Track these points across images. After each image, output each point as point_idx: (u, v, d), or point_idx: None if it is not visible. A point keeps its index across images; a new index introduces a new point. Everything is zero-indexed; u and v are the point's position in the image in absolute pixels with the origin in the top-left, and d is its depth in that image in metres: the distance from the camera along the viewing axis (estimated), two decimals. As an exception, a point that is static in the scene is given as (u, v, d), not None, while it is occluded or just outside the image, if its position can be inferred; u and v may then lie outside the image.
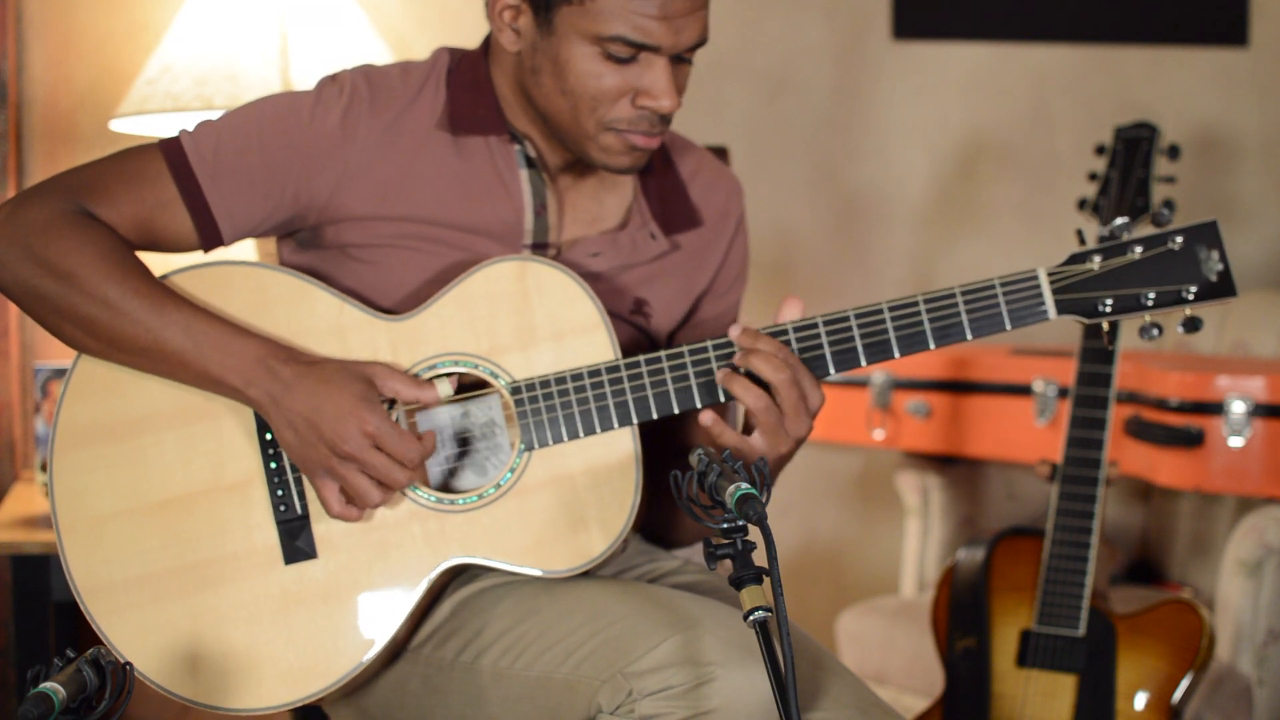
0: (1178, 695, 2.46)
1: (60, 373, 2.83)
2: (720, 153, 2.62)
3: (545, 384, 1.81)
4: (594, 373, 1.81)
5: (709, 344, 1.82)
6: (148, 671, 1.76)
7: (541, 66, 1.83)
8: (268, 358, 1.75)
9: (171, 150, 1.83)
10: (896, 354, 1.81)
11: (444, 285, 1.84)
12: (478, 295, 1.82)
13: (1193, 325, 1.80)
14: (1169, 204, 2.43)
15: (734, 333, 1.80)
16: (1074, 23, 3.67)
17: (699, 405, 1.82)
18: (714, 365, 1.82)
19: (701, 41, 1.82)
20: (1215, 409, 2.82)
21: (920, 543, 3.36)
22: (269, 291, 1.82)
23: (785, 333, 1.81)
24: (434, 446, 1.76)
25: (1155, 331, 1.81)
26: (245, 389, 1.75)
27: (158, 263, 1.89)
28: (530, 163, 1.91)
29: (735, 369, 1.80)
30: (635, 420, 1.81)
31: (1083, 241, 1.84)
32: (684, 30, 1.79)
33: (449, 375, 1.80)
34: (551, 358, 1.82)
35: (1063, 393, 3.03)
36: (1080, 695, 2.47)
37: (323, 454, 1.73)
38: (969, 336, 1.82)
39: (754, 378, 1.79)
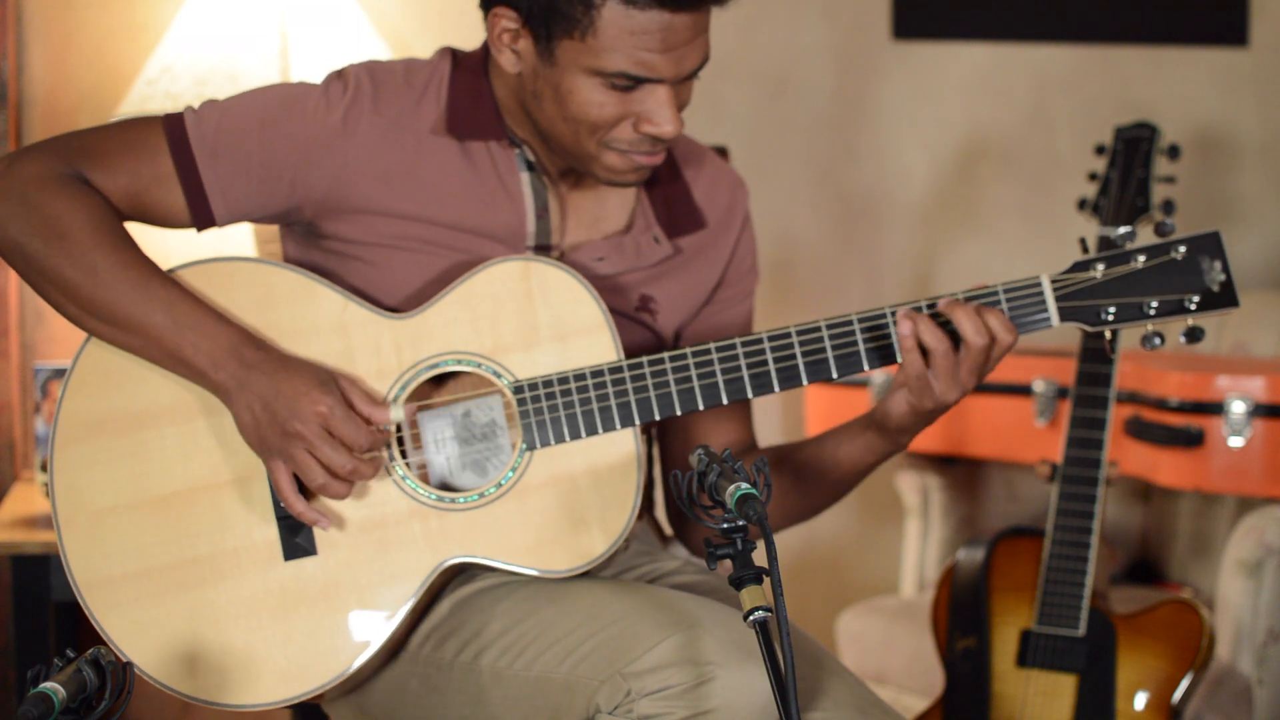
0: (1178, 695, 2.46)
1: (60, 373, 2.83)
2: (720, 153, 2.62)
3: (548, 384, 1.81)
4: (596, 373, 1.81)
5: (711, 346, 1.82)
6: (146, 667, 1.76)
7: (543, 92, 1.82)
8: (240, 345, 1.75)
9: (173, 126, 1.83)
10: (900, 358, 1.81)
11: (446, 285, 1.84)
12: (482, 294, 1.82)
13: (1194, 335, 1.81)
14: (1169, 204, 2.44)
15: (942, 304, 1.78)
16: (1074, 23, 3.67)
17: (701, 406, 1.82)
18: (717, 368, 1.82)
19: (704, 62, 1.82)
20: (1215, 409, 2.82)
21: (920, 543, 3.36)
22: (274, 288, 1.82)
23: (788, 334, 1.81)
24: (383, 441, 1.76)
25: (1157, 340, 1.82)
26: (211, 372, 1.75)
27: (163, 257, 1.89)
28: (530, 166, 1.91)
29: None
30: (637, 421, 1.81)
31: (1085, 249, 1.85)
32: (686, 59, 1.78)
33: (410, 403, 1.79)
34: (555, 358, 1.82)
35: (1063, 393, 3.03)
36: (1080, 695, 2.47)
37: (275, 434, 1.73)
38: None
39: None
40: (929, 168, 3.66)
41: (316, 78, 1.92)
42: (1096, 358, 2.52)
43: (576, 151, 1.84)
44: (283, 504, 1.77)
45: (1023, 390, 3.11)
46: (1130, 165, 2.57)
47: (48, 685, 1.39)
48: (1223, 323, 3.29)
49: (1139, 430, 2.88)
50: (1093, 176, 2.61)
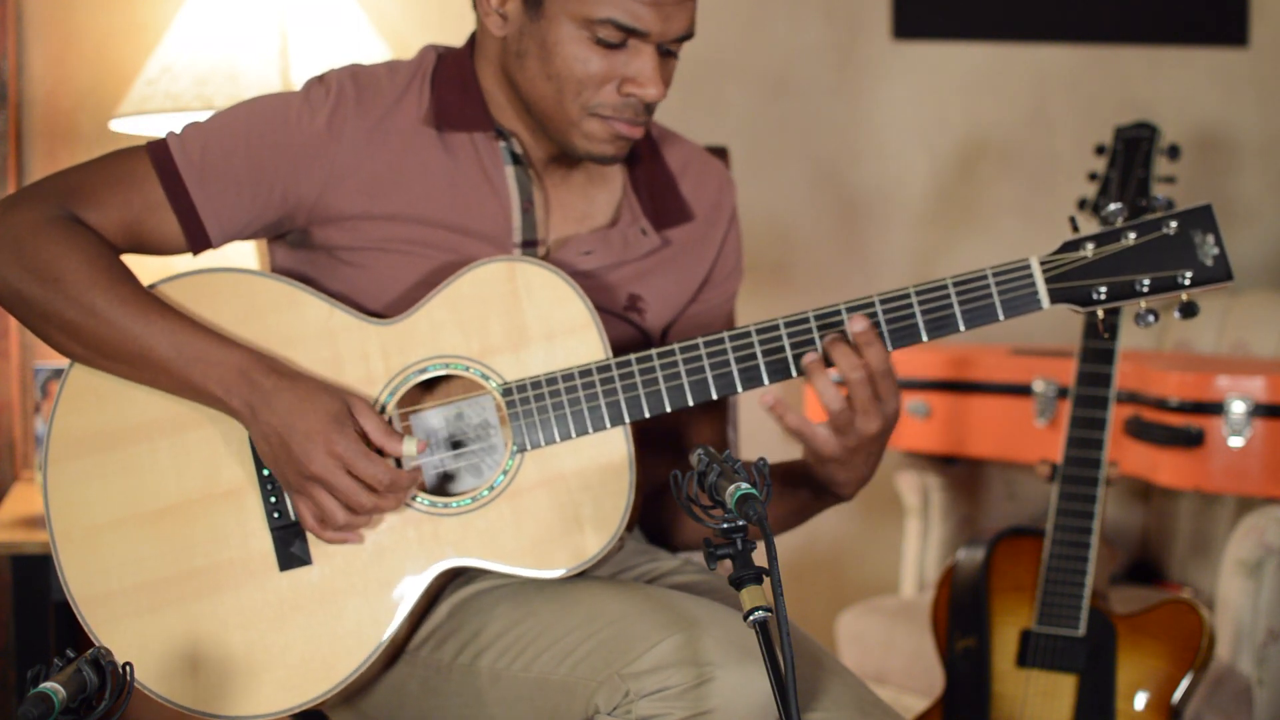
0: (1178, 695, 2.46)
1: (60, 373, 2.82)
2: (720, 153, 2.61)
3: (536, 385, 1.81)
4: (585, 372, 1.81)
5: (700, 341, 1.81)
6: (146, 680, 1.76)
7: (528, 50, 1.83)
8: (249, 369, 1.75)
9: (158, 153, 1.83)
10: (890, 347, 1.80)
11: (433, 287, 1.84)
12: (468, 297, 1.82)
13: (1189, 311, 1.78)
14: (1169, 204, 2.44)
15: (856, 327, 1.76)
16: (1074, 23, 3.67)
17: (690, 403, 1.81)
18: (705, 363, 1.81)
19: (688, 34, 1.82)
20: (1215, 409, 2.81)
21: (920, 543, 3.36)
22: (258, 298, 1.82)
23: (777, 327, 1.81)
24: (411, 482, 1.75)
25: (1151, 318, 1.79)
26: (226, 398, 1.75)
27: (152, 268, 1.89)
28: (516, 159, 1.91)
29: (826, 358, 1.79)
30: (627, 419, 1.80)
31: (1076, 229, 1.83)
32: (673, 19, 1.79)
33: (417, 439, 1.78)
34: (543, 358, 1.81)
35: (1063, 393, 3.03)
36: (1080, 695, 2.47)
37: (293, 473, 1.74)
38: (962, 328, 1.80)
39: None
40: (929, 167, 3.66)
41: (316, 73, 1.92)
42: (1097, 358, 2.52)
43: (558, 116, 1.84)
44: (309, 530, 1.77)
45: (1023, 390, 3.11)
46: (1130, 165, 2.57)
47: (48, 685, 1.39)
48: (1223, 322, 3.29)
49: (1139, 430, 2.88)
50: (1093, 176, 2.62)
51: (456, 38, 2.02)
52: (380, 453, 1.76)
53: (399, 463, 1.80)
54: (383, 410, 1.81)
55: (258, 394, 1.74)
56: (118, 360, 1.77)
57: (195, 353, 1.75)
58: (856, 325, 1.76)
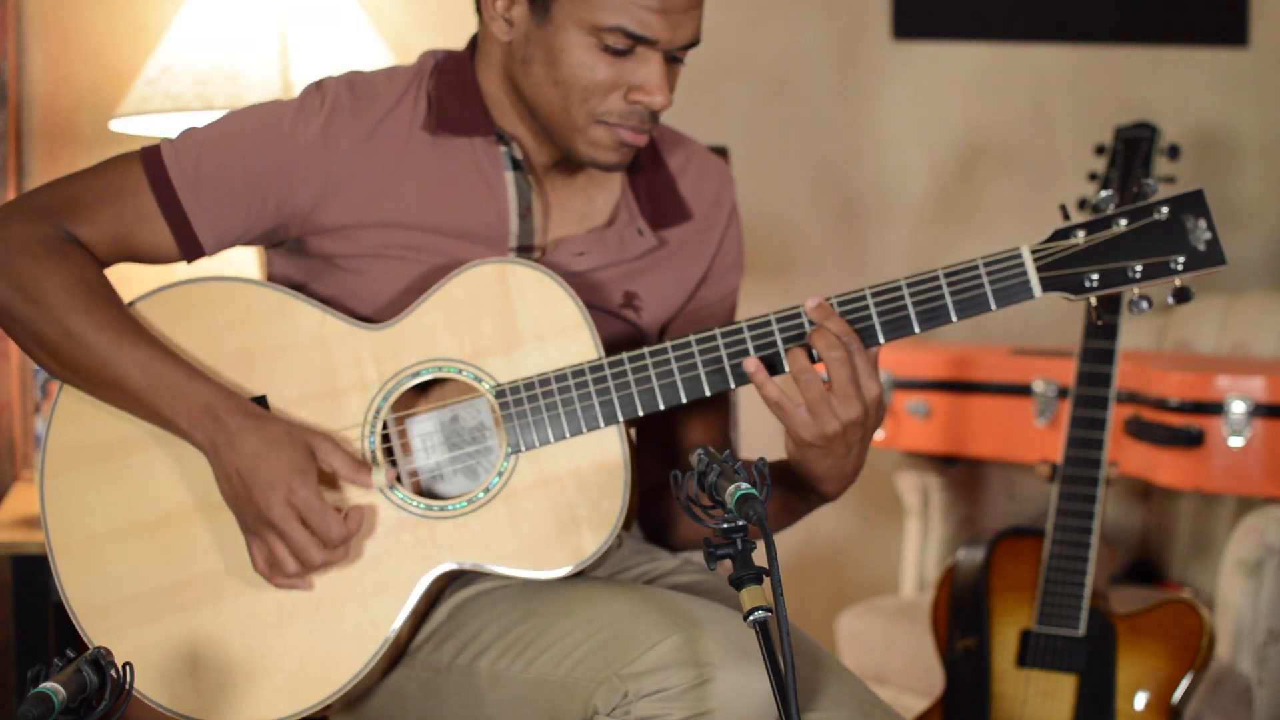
0: (1178, 695, 2.46)
1: (60, 373, 2.83)
2: (720, 153, 2.61)
3: (529, 386, 1.80)
4: (577, 372, 1.80)
5: (692, 339, 1.80)
6: (146, 690, 1.76)
7: (534, 56, 1.82)
8: (216, 406, 1.75)
9: (152, 162, 1.83)
10: (881, 339, 1.79)
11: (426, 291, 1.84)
12: (459, 299, 1.82)
13: (1183, 296, 1.77)
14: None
15: (809, 304, 1.77)
16: (1074, 23, 3.67)
17: (684, 400, 1.80)
18: (698, 360, 1.80)
19: (695, 41, 1.82)
20: (1215, 409, 2.81)
21: (920, 543, 3.36)
22: (251, 306, 1.82)
23: (769, 322, 1.80)
24: (358, 527, 1.75)
25: (1144, 304, 1.78)
26: (191, 432, 1.76)
27: (148, 275, 1.89)
28: (516, 164, 1.90)
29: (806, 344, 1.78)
30: (621, 418, 1.80)
31: (1066, 216, 1.82)
32: (681, 26, 1.79)
33: (389, 468, 1.79)
34: (535, 359, 1.81)
35: (1063, 393, 3.03)
36: (1080, 695, 2.47)
37: (251, 516, 1.74)
38: (954, 318, 1.79)
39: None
40: (929, 167, 3.66)
41: (315, 78, 1.91)
42: (1097, 358, 2.52)
43: (564, 123, 1.83)
44: (259, 573, 1.77)
45: (1023, 390, 3.11)
46: (1130, 165, 2.57)
47: (48, 685, 1.39)
48: (1223, 322, 3.29)
49: (1139, 430, 2.88)
50: (1093, 176, 2.62)
51: (456, 39, 2.02)
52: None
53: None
54: (377, 414, 1.81)
55: (222, 433, 1.74)
56: (93, 384, 1.78)
57: (164, 384, 1.75)
58: (810, 303, 1.77)
